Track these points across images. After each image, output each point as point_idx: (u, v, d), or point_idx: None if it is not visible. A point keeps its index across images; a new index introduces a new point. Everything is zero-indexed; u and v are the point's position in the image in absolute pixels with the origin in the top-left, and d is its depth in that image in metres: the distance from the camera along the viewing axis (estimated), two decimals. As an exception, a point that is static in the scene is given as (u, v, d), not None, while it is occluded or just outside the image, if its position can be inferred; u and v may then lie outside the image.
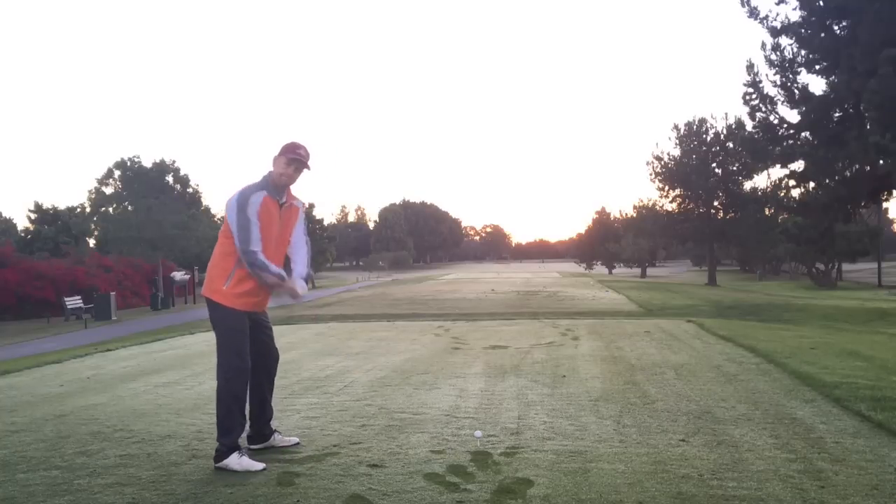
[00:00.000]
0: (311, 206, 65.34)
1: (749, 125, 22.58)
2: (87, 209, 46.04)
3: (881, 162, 17.67)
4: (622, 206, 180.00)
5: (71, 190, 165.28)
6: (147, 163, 42.76)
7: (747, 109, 21.02)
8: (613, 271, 74.31)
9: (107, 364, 8.28)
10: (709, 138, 46.49)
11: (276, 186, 3.87)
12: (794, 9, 19.11)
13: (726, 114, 60.76)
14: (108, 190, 42.86)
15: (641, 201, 57.01)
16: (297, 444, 4.09)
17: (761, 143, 21.39)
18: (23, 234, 49.23)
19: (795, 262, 53.43)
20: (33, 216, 48.72)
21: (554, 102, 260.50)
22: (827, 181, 19.91)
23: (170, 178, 43.95)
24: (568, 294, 24.50)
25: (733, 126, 43.77)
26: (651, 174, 48.04)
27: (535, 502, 3.06)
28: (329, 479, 3.42)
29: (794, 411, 4.68)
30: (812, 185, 21.05)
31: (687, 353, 7.69)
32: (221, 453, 3.67)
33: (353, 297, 27.85)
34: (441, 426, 4.44)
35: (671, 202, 48.67)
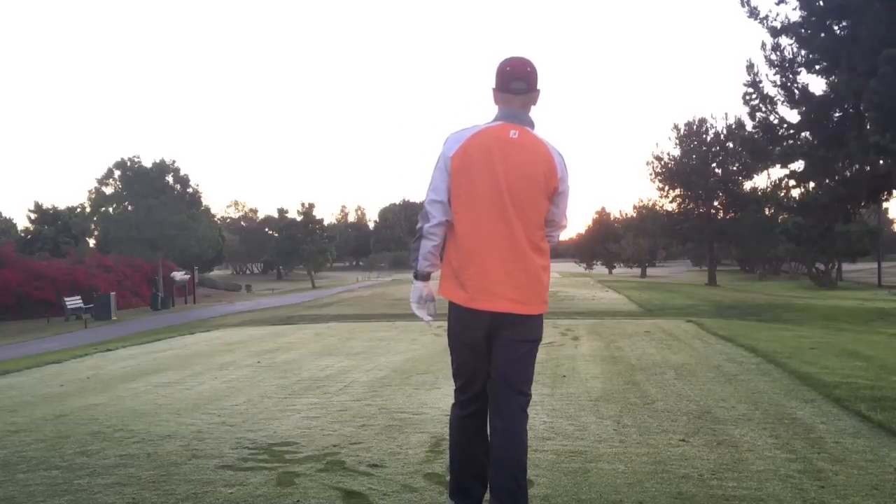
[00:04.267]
0: (311, 206, 65.35)
1: (749, 125, 22.58)
2: (87, 209, 45.98)
3: (881, 162, 17.69)
4: (622, 206, 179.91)
5: (71, 190, 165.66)
6: (147, 163, 42.68)
7: (747, 109, 21.04)
8: (613, 271, 74.31)
9: (107, 364, 8.29)
10: (709, 138, 46.47)
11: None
12: (794, 9, 19.15)
13: (726, 114, 60.59)
14: (108, 190, 42.75)
15: (641, 201, 57.12)
16: None
17: (761, 143, 21.38)
18: (23, 234, 49.24)
19: (795, 262, 53.44)
20: (33, 216, 48.74)
21: (554, 102, 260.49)
22: (827, 181, 19.93)
23: (170, 178, 43.85)
24: (568, 294, 24.49)
25: (733, 126, 43.65)
26: (651, 174, 48.04)
27: (535, 502, 3.05)
28: (329, 479, 3.42)
29: (794, 411, 4.68)
30: (812, 185, 21.06)
31: (687, 353, 7.69)
32: None
33: (353, 297, 27.86)
34: (441, 426, 4.44)
35: (671, 202, 48.66)
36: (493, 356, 2.69)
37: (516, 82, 2.71)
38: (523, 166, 2.62)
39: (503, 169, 2.61)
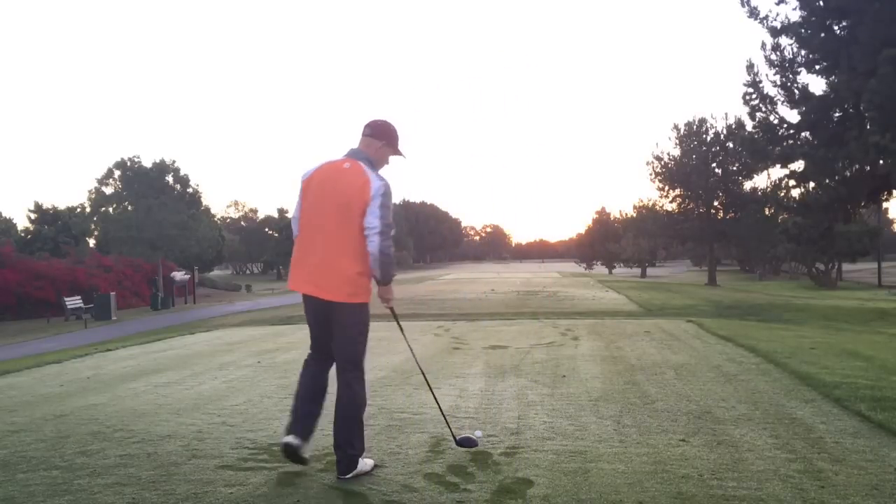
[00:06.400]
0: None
1: (749, 125, 22.56)
2: (87, 209, 45.95)
3: (881, 162, 17.66)
4: (622, 206, 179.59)
5: (71, 190, 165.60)
6: (147, 163, 42.63)
7: (747, 109, 21.01)
8: (613, 271, 74.28)
9: (107, 364, 8.28)
10: (709, 138, 46.46)
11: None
12: (794, 9, 19.11)
13: (726, 114, 60.63)
14: (108, 190, 42.68)
15: (641, 201, 57.09)
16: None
17: (761, 143, 21.36)
18: (23, 234, 49.15)
19: (795, 262, 53.38)
20: (33, 216, 48.65)
21: (554, 102, 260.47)
22: (827, 181, 19.90)
23: (170, 178, 43.78)
24: (568, 294, 24.49)
25: (733, 126, 43.69)
26: (651, 174, 48.03)
27: (535, 502, 3.06)
28: (329, 479, 3.42)
29: (794, 411, 4.68)
30: (812, 185, 21.03)
31: (687, 353, 7.69)
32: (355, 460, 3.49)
33: (353, 297, 27.79)
34: (441, 426, 4.43)
35: (671, 202, 48.66)
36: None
37: (365, 128, 3.71)
38: (346, 187, 3.46)
39: (331, 190, 3.48)
